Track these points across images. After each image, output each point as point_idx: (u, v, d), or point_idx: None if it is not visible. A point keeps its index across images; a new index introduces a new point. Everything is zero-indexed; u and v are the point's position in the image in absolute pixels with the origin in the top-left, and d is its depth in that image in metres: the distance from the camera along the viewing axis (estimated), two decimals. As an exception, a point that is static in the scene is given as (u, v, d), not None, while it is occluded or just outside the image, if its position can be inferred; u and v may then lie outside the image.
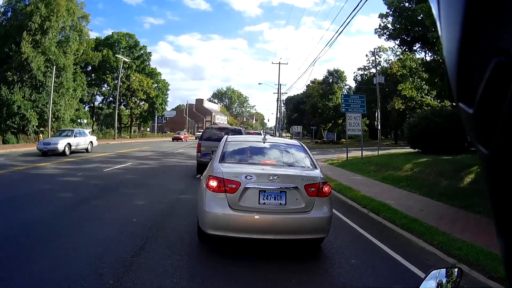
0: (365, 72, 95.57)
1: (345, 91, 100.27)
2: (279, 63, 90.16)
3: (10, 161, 29.97)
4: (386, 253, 10.39)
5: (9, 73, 55.62)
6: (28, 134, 56.25)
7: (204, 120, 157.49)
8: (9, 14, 63.31)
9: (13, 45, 56.89)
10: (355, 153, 39.67)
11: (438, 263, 8.89)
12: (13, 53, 56.41)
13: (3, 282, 7.27)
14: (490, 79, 0.62)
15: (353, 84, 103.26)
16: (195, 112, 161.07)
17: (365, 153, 37.21)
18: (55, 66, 59.33)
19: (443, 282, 2.42)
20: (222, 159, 10.42)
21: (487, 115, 0.66)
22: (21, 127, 56.13)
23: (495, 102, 0.63)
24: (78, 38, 70.72)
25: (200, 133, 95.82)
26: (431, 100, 66.24)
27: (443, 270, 2.49)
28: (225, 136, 12.40)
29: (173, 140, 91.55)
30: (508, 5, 0.59)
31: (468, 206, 14.55)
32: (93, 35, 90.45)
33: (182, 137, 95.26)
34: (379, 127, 53.37)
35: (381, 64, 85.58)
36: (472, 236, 10.68)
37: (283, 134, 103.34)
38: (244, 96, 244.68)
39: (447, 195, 16.06)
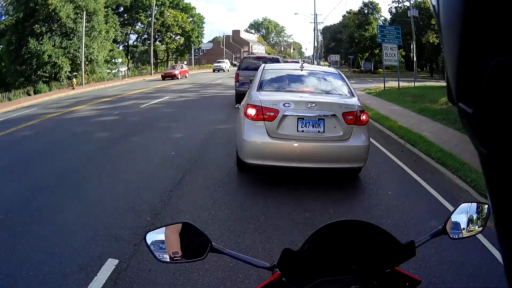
0: (399, 5, 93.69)
1: (380, 22, 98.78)
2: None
3: (43, 109, 29.69)
4: (422, 186, 10.29)
5: (36, 25, 54.79)
6: (61, 80, 55.76)
7: (242, 50, 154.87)
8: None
9: None
10: (392, 83, 39.14)
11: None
12: (40, 6, 55.55)
13: (37, 233, 7.40)
14: (490, 79, 0.61)
15: (388, 16, 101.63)
16: (232, 43, 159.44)
17: (402, 84, 36.82)
18: (85, 12, 58.69)
19: (474, 218, 2.40)
20: (260, 88, 10.33)
21: (487, 115, 0.65)
22: (53, 75, 55.71)
23: (495, 102, 0.62)
24: (107, -18, 69.76)
25: (219, 64, 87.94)
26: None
27: (474, 205, 2.45)
28: (263, 65, 12.23)
29: (163, 79, 61.26)
30: (508, 4, 0.58)
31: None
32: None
33: (176, 72, 62.61)
34: (415, 59, 52.90)
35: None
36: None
37: (321, 63, 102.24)
38: (281, 26, 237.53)
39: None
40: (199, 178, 10.40)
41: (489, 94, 0.63)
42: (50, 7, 54.82)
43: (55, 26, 57.00)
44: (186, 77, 65.44)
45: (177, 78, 60.97)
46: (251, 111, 9.18)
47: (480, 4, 0.60)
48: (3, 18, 59.80)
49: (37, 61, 54.34)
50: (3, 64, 59.15)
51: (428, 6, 71.31)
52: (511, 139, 0.62)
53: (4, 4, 60.85)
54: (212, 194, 9.18)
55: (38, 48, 53.65)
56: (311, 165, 9.32)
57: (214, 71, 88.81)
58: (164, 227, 2.17)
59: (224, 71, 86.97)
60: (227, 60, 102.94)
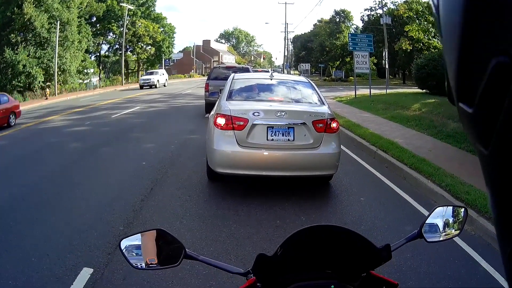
0: (372, 13, 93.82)
1: (352, 31, 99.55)
2: (285, 3, 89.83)
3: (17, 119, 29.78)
4: (395, 192, 10.39)
5: (12, 35, 54.93)
6: (35, 90, 55.81)
7: (212, 60, 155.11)
8: (9, -22, 61.99)
9: (15, 8, 55.90)
10: (363, 91, 39.57)
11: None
12: (16, 16, 55.61)
13: (14, 243, 7.37)
14: (490, 79, 0.61)
15: (360, 24, 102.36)
16: (203, 53, 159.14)
17: (374, 91, 37.18)
18: (59, 22, 58.90)
19: (450, 222, 2.41)
20: (230, 97, 10.37)
21: (487, 115, 0.65)
22: (27, 85, 55.42)
23: (495, 102, 0.62)
24: (81, -8, 69.69)
25: (149, 77, 66.72)
26: (438, 43, 65.48)
27: (450, 208, 2.47)
28: (232, 74, 12.31)
29: None
30: (508, 4, 0.58)
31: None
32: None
33: None
34: (387, 66, 53.44)
35: (388, 5, 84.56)
36: (480, 181, 10.49)
37: (291, 72, 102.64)
38: (251, 35, 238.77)
39: (455, 137, 15.85)
40: (170, 187, 10.40)
41: (489, 94, 0.63)
42: (25, 16, 54.81)
43: (30, 35, 56.95)
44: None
45: None
46: (221, 121, 9.20)
47: (480, 5, 0.61)
48: (-19, 26, 59.82)
49: (12, 71, 54.23)
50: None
51: (401, 13, 72.48)
52: (511, 139, 0.62)
53: (-18, 12, 60.81)
54: (183, 204, 9.18)
55: (14, 58, 53.61)
56: (282, 174, 9.36)
57: (141, 87, 64.92)
58: (139, 234, 2.15)
59: (156, 87, 64.69)
60: (161, 71, 75.35)
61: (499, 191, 0.69)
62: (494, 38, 0.60)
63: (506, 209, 0.69)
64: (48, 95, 51.65)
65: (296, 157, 9.22)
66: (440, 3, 0.69)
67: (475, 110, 0.66)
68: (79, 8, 69.31)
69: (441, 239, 2.36)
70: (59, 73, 59.46)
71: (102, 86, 74.58)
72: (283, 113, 9.15)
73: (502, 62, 0.59)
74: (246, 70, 26.98)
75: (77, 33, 65.67)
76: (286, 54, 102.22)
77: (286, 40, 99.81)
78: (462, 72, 0.67)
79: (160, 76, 69.60)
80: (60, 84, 59.04)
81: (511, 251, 0.70)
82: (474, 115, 0.66)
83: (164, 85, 68.71)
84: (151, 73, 71.30)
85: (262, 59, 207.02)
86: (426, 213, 8.04)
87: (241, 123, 9.06)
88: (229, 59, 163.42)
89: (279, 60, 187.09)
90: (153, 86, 64.30)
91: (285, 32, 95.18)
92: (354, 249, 2.01)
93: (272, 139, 9.09)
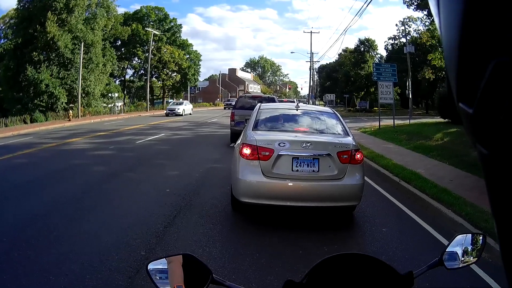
0: (396, 42, 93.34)
1: (376, 60, 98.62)
2: (311, 32, 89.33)
3: (39, 139, 29.94)
4: (416, 222, 10.34)
5: (34, 53, 55.52)
6: (57, 111, 55.83)
7: (238, 89, 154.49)
8: (31, -5, 62.75)
9: (38, 26, 56.25)
10: (387, 122, 39.27)
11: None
12: (38, 34, 55.93)
13: (33, 260, 7.40)
14: (490, 79, 0.62)
15: (384, 53, 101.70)
16: (228, 82, 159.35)
17: (397, 121, 36.83)
18: (83, 43, 58.82)
19: (469, 249, 2.43)
20: (255, 127, 10.42)
21: (487, 115, 0.66)
22: (50, 105, 55.76)
23: (495, 102, 0.63)
24: (105, 14, 69.92)
25: (172, 107, 67.47)
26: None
27: (469, 236, 2.49)
28: (258, 104, 12.36)
29: None
30: (508, 4, 0.59)
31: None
32: (121, 10, 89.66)
33: None
34: (410, 96, 53.17)
35: (411, 34, 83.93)
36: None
37: (317, 102, 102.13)
38: (277, 65, 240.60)
39: (476, 166, 15.63)
40: (194, 215, 10.36)
41: (489, 94, 0.64)
42: (48, 35, 54.93)
43: (53, 55, 57.09)
44: None
45: None
46: (247, 151, 9.25)
47: (480, 5, 0.61)
48: (2, 41, 60.29)
49: (34, 90, 54.44)
50: (0, 89, 59.27)
51: (424, 42, 71.78)
52: (511, 139, 0.63)
53: (3, 27, 61.12)
54: (207, 232, 9.15)
55: (36, 76, 53.76)
56: (306, 204, 9.34)
57: (167, 115, 64.41)
58: (164, 258, 2.16)
59: (181, 116, 65.07)
60: (186, 102, 76.38)
61: (499, 191, 0.71)
62: (494, 38, 0.61)
63: (506, 209, 0.71)
64: (71, 117, 52.05)
65: (320, 188, 9.22)
66: (440, 4, 0.71)
67: (475, 110, 0.67)
68: (103, 31, 69.66)
69: (460, 266, 2.40)
70: (83, 95, 59.52)
71: (127, 111, 74.57)
72: (308, 144, 9.17)
73: (502, 62, 0.61)
74: (272, 100, 27.19)
75: (101, 56, 65.83)
76: (311, 84, 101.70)
77: (312, 70, 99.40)
78: (462, 72, 0.69)
79: (185, 106, 70.29)
80: (83, 107, 59.12)
81: (511, 251, 0.73)
82: (474, 115, 0.68)
83: (190, 114, 69.33)
84: (179, 103, 72.24)
85: (287, 89, 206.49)
86: (445, 242, 7.99)
87: (267, 153, 9.10)
88: (255, 89, 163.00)
89: (304, 90, 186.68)
90: (178, 115, 64.22)
91: (310, 62, 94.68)
92: (378, 276, 2.03)
93: (297, 170, 9.10)
